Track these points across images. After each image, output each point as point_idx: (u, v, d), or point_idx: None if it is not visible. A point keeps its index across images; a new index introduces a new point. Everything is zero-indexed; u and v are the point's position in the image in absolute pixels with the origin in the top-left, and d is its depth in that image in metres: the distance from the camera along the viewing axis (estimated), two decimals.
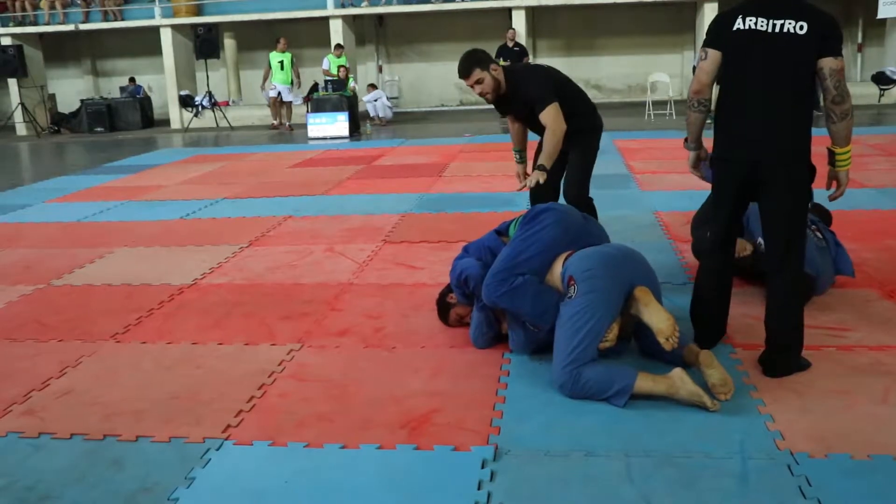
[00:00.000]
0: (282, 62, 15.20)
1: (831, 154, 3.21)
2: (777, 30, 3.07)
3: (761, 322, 3.84)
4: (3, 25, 18.63)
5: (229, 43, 19.17)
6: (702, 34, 15.40)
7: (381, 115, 15.83)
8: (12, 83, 17.86)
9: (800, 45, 3.05)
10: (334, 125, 13.86)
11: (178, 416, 3.18)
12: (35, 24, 18.77)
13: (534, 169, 4.09)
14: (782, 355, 3.31)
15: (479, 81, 4.17)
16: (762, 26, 3.10)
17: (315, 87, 15.34)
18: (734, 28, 3.16)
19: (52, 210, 7.97)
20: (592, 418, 2.97)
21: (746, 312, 4.01)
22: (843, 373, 3.30)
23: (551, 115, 4.10)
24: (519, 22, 16.34)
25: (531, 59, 16.40)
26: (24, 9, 18.82)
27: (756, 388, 3.17)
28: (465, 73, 4.19)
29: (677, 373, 3.03)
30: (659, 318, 3.13)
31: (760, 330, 3.76)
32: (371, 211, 6.99)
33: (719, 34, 3.23)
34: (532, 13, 17.29)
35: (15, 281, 5.30)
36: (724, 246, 3.47)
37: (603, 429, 2.90)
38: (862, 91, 15.78)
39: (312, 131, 13.92)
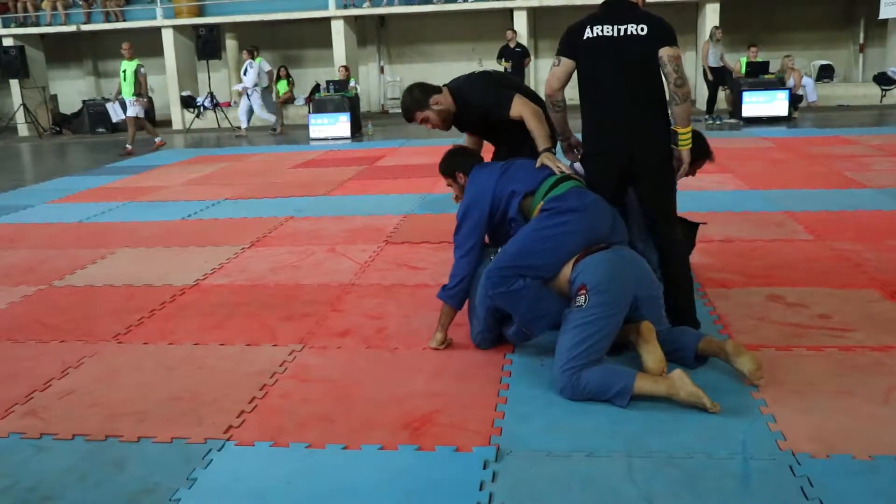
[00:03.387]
0: (126, 71, 12.90)
1: (674, 134, 3.54)
2: (622, 33, 3.48)
3: (763, 322, 3.88)
4: (4, 26, 18.66)
5: (231, 44, 19.19)
6: (704, 34, 15.45)
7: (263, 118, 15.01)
8: (14, 84, 17.90)
9: (643, 43, 3.46)
10: (336, 126, 13.87)
11: (180, 416, 3.18)
12: (37, 24, 18.80)
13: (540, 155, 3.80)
14: (686, 316, 3.63)
15: (424, 120, 4.03)
16: (609, 32, 3.49)
17: (317, 88, 15.35)
18: (585, 37, 3.53)
19: (53, 211, 7.98)
20: (594, 419, 2.97)
21: (748, 313, 4.01)
22: (845, 373, 3.29)
23: (520, 104, 3.90)
24: (520, 22, 16.35)
25: (533, 60, 16.40)
26: (25, 9, 18.84)
27: (758, 388, 3.17)
28: (407, 117, 4.06)
29: (677, 374, 3.03)
30: (653, 359, 3.19)
31: (762, 330, 3.78)
32: (373, 212, 7.00)
33: (572, 43, 3.59)
34: (533, 14, 17.31)
35: (17, 282, 5.30)
36: None
37: (604, 429, 2.89)
38: (864, 91, 15.81)
39: (314, 132, 13.93)
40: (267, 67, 15.02)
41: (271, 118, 15.07)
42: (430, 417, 3.05)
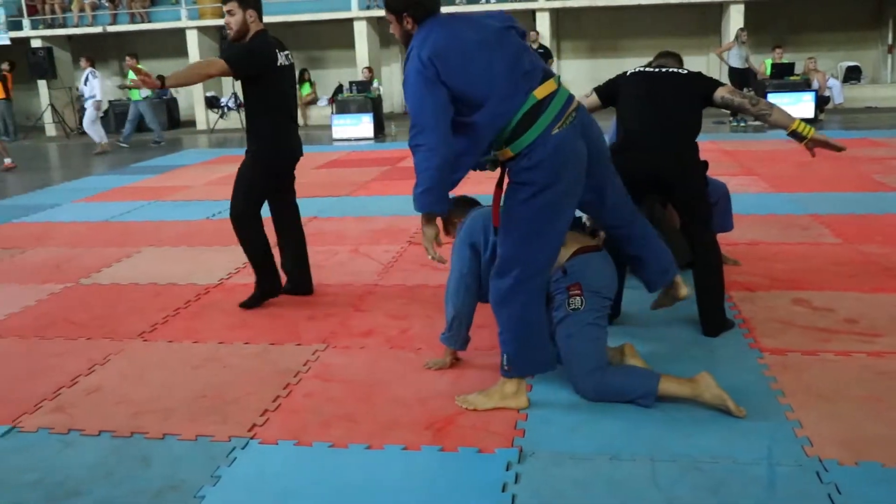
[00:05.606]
0: None
1: (795, 134, 3.62)
2: (662, 71, 3.83)
3: (789, 326, 3.84)
4: (33, 28, 18.87)
5: None
6: (728, 36, 15.30)
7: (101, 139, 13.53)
8: (42, 84, 18.08)
9: (685, 78, 3.78)
10: (359, 126, 13.91)
11: (205, 414, 3.20)
12: (64, 26, 18.99)
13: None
14: (719, 315, 3.78)
15: (230, 13, 4.19)
16: (649, 70, 3.88)
17: (340, 89, 15.40)
18: (627, 74, 3.90)
19: (80, 210, 8.06)
20: (617, 422, 2.96)
21: (774, 317, 3.97)
22: (873, 379, 3.25)
23: (210, 61, 4.18)
24: (543, 23, 16.30)
25: (555, 61, 16.35)
26: (53, 11, 19.05)
27: (783, 393, 3.14)
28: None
29: (703, 376, 3.03)
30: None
31: (788, 334, 3.75)
32: (396, 212, 7.00)
33: (612, 83, 3.93)
34: (556, 15, 17.26)
35: (45, 279, 5.36)
36: None
37: (628, 433, 2.88)
38: (892, 93, 15.64)
39: (337, 133, 13.98)
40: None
41: (97, 135, 13.61)
42: (453, 418, 3.05)
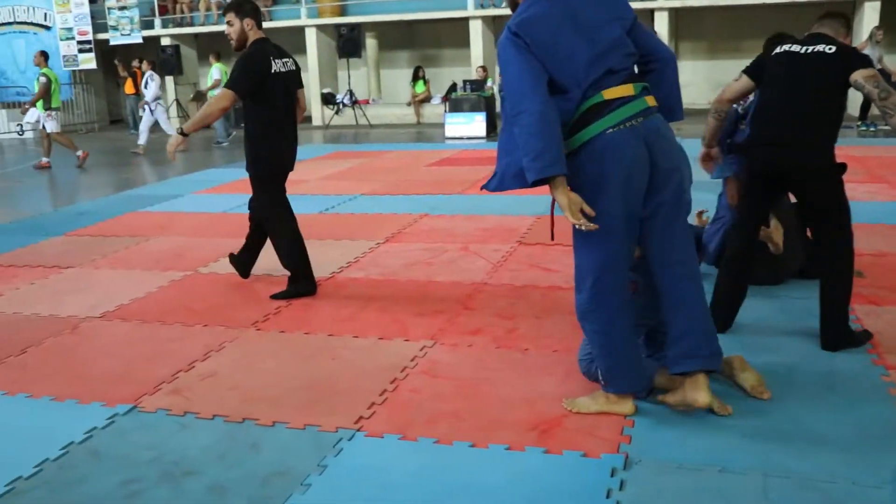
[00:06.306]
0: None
1: None
2: (809, 51, 3.54)
3: None
4: (163, 27, 19.77)
5: (371, 42, 19.61)
6: (861, 37, 14.59)
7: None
8: (169, 80, 18.92)
9: (829, 60, 3.49)
10: (471, 125, 13.96)
11: (313, 404, 3.27)
12: (191, 24, 19.82)
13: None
14: (842, 329, 3.60)
15: (229, 23, 4.48)
16: (796, 49, 3.58)
17: (453, 87, 15.49)
18: (773, 53, 3.65)
19: (200, 201, 8.39)
20: (728, 433, 2.86)
21: None
22: None
23: (218, 96, 4.40)
24: (661, 23, 15.95)
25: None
26: (183, 11, 19.92)
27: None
28: (225, 9, 4.56)
29: (688, 382, 2.99)
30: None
31: None
32: (506, 211, 6.98)
33: (760, 62, 3.69)
34: (675, 14, 16.86)
35: (166, 267, 5.60)
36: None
37: (739, 445, 2.79)
38: None
39: (449, 131, 14.07)
40: (216, 75, 14.06)
41: (141, 138, 13.52)
42: (559, 421, 3.02)
